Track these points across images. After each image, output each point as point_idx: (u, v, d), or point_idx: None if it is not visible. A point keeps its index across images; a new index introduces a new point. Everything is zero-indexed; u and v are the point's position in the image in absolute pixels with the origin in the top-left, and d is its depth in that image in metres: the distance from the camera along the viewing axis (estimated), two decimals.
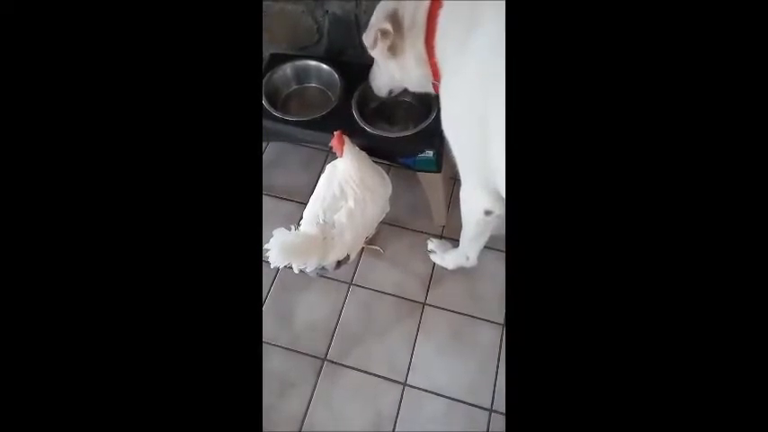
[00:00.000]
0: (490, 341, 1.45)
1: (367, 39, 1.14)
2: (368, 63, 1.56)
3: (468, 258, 1.48)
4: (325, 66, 1.60)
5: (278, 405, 1.37)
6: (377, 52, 1.16)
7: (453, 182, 1.59)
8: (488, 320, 1.48)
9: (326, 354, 1.46)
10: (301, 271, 1.32)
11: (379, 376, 1.41)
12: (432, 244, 1.59)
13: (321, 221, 1.32)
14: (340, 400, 1.38)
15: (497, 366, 1.41)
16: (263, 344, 1.46)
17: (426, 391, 1.39)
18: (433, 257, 1.58)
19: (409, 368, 1.42)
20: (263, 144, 1.82)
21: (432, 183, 1.52)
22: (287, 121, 1.49)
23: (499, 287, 1.53)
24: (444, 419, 1.34)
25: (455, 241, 1.50)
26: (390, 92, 1.36)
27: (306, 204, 1.41)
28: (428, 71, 1.13)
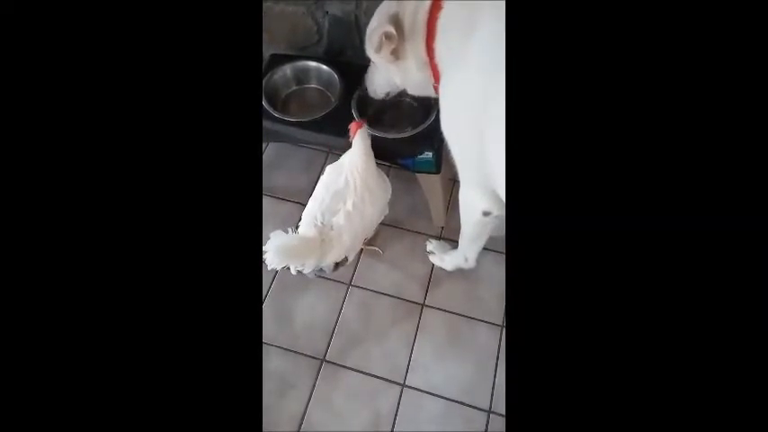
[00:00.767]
0: (489, 342, 1.45)
1: (371, 42, 1.12)
2: (367, 64, 1.56)
3: (466, 260, 1.48)
4: (324, 66, 1.60)
5: (277, 405, 1.37)
6: (380, 56, 1.14)
7: (453, 183, 1.60)
8: (487, 321, 1.48)
9: (325, 354, 1.46)
10: (299, 272, 1.32)
11: (377, 377, 1.41)
12: (431, 245, 1.59)
13: (319, 223, 1.32)
14: (339, 401, 1.38)
15: (496, 367, 1.41)
16: (262, 344, 1.46)
17: (425, 391, 1.39)
18: (432, 258, 1.58)
19: (408, 369, 1.42)
20: (263, 145, 1.82)
21: (431, 184, 1.52)
22: (286, 122, 1.49)
23: (498, 288, 1.54)
24: (443, 420, 1.34)
25: (454, 242, 1.50)
26: (387, 94, 1.36)
27: (305, 205, 1.41)
28: (429, 74, 1.13)
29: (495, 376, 1.40)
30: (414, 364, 1.43)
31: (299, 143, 1.75)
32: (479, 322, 1.49)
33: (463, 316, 1.50)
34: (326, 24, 1.68)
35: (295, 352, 1.46)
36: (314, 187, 1.43)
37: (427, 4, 1.03)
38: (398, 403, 1.37)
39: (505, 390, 0.60)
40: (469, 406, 1.36)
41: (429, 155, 1.40)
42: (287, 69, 1.62)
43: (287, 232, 1.27)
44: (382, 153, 1.43)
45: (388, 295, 1.55)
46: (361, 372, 1.42)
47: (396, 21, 1.07)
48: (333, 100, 1.54)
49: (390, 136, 1.43)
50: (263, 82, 1.56)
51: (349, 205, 1.33)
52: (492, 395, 1.37)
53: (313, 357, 1.45)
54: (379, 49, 1.12)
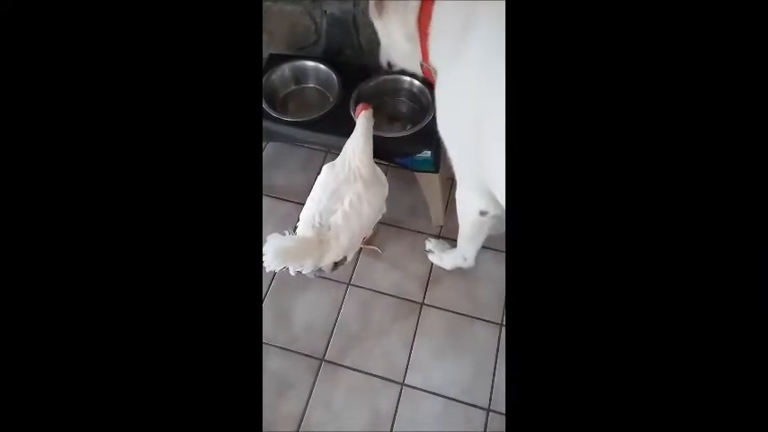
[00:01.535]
0: (488, 341, 1.45)
1: None
2: (366, 64, 1.56)
3: (465, 259, 1.49)
4: (323, 66, 1.60)
5: (276, 405, 1.37)
6: (370, 7, 1.11)
7: (451, 182, 1.59)
8: (486, 320, 1.49)
9: (324, 354, 1.46)
10: (298, 272, 1.32)
11: (377, 376, 1.42)
12: (430, 244, 1.59)
13: (317, 224, 1.32)
14: (338, 400, 1.38)
15: (495, 366, 1.42)
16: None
17: (424, 390, 1.39)
18: (431, 257, 1.58)
19: (407, 368, 1.42)
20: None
21: (430, 183, 1.52)
22: (285, 122, 1.49)
23: (497, 287, 1.54)
24: (442, 419, 1.34)
25: (453, 241, 1.50)
26: (389, 64, 1.30)
27: (303, 205, 1.41)
28: (417, 50, 1.10)
29: (494, 375, 1.40)
30: (413, 364, 1.43)
31: (298, 143, 1.75)
32: (479, 321, 1.49)
33: (462, 315, 1.50)
34: (325, 24, 1.68)
35: (294, 351, 1.46)
36: (312, 187, 1.43)
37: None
38: (398, 402, 1.37)
39: (505, 388, 0.60)
40: (469, 405, 1.36)
41: (428, 154, 1.41)
42: (285, 69, 1.62)
43: (284, 234, 1.27)
44: (381, 152, 1.43)
45: (388, 294, 1.55)
46: (361, 371, 1.42)
47: None
48: (331, 100, 1.54)
49: (389, 135, 1.43)
50: (262, 82, 1.56)
51: (346, 204, 1.33)
52: (491, 394, 1.37)
53: (312, 357, 1.45)
54: None
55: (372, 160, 1.38)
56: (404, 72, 1.44)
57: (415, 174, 1.50)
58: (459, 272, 1.54)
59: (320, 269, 1.36)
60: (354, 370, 1.43)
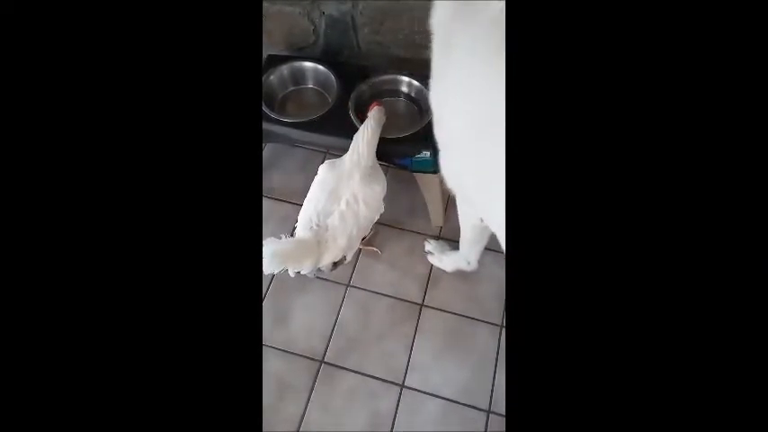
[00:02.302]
0: (488, 342, 1.45)
1: None
2: (364, 65, 1.56)
3: (468, 263, 1.48)
4: (321, 67, 1.60)
5: (275, 407, 1.37)
6: None
7: None
8: (486, 322, 1.48)
9: (324, 356, 1.45)
10: (297, 273, 1.32)
11: (376, 378, 1.41)
12: (429, 245, 1.59)
13: (315, 225, 1.32)
14: (337, 402, 1.38)
15: (495, 367, 1.41)
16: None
17: (424, 392, 1.38)
18: (431, 259, 1.58)
19: (407, 370, 1.42)
20: None
21: (429, 184, 1.52)
22: (284, 123, 1.49)
23: (496, 288, 1.54)
24: (442, 421, 1.34)
25: (453, 242, 1.50)
26: None
27: (302, 206, 1.41)
28: None
29: (494, 376, 1.40)
30: (413, 365, 1.43)
31: (296, 144, 1.75)
32: (478, 322, 1.48)
33: (462, 316, 1.50)
34: (323, 25, 1.68)
35: (293, 353, 1.46)
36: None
37: None
38: (397, 404, 1.37)
39: (506, 390, 0.60)
40: (469, 406, 1.36)
41: (427, 154, 1.41)
42: (284, 70, 1.61)
43: (280, 238, 1.27)
44: (380, 153, 1.43)
45: (387, 296, 1.55)
46: (360, 373, 1.42)
47: None
48: (330, 100, 1.54)
49: (388, 136, 1.43)
50: None
51: (343, 205, 1.32)
52: (491, 395, 1.37)
53: (311, 359, 1.45)
54: None
55: (375, 154, 1.38)
56: (402, 72, 1.45)
57: (415, 175, 1.49)
58: (458, 273, 1.54)
59: (319, 269, 1.36)
60: (354, 371, 1.42)
